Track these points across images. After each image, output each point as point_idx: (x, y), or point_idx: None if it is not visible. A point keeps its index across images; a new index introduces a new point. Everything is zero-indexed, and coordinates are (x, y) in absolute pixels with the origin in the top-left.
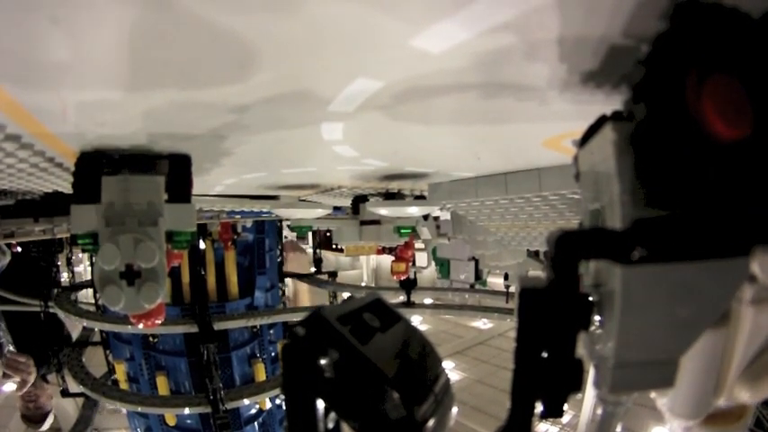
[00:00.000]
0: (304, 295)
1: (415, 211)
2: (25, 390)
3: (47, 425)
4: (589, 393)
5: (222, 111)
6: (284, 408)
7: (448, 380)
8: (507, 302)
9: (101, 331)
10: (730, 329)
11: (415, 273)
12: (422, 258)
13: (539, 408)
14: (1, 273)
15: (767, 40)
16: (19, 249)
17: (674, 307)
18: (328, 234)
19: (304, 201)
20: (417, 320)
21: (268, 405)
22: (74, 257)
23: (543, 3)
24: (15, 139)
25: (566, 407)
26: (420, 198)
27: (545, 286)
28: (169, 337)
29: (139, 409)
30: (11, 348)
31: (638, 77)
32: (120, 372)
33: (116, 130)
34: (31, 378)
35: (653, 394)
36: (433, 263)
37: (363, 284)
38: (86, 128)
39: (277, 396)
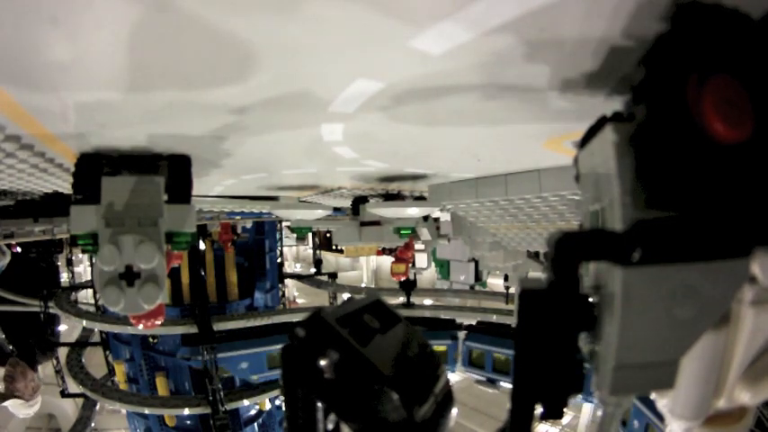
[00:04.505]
0: None
1: (414, 212)
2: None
3: (16, 409)
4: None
5: (222, 112)
6: (284, 409)
7: (448, 381)
8: (507, 304)
9: (101, 332)
10: (730, 330)
11: (414, 274)
12: (422, 259)
13: (539, 409)
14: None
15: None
16: (19, 249)
17: (675, 308)
18: (328, 235)
19: (304, 202)
20: None
21: (268, 406)
22: (74, 258)
23: (543, 4)
24: (15, 139)
25: (565, 408)
26: (420, 199)
27: (545, 287)
28: (169, 338)
29: (139, 410)
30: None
31: (638, 78)
32: (120, 372)
33: (116, 131)
34: (30, 386)
35: (653, 395)
36: (433, 264)
37: (363, 285)
38: (86, 129)
39: (277, 397)
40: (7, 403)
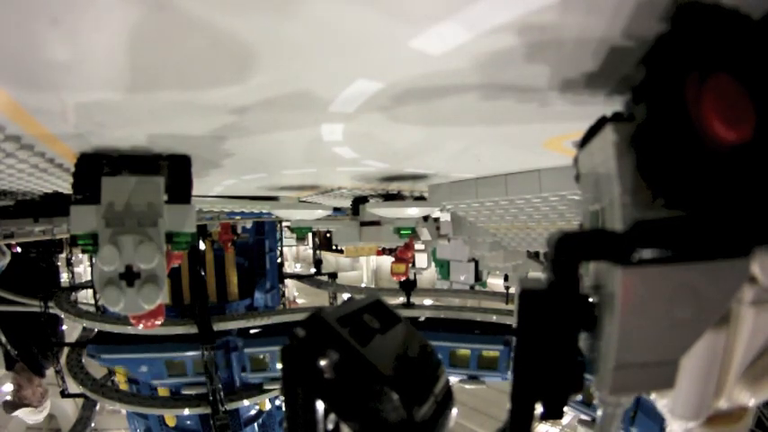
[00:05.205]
0: None
1: (414, 212)
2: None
3: (26, 417)
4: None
5: (222, 112)
6: (284, 409)
7: (448, 381)
8: (507, 304)
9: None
10: (730, 330)
11: (414, 274)
12: (422, 259)
13: (539, 408)
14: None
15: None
16: (19, 249)
17: (674, 308)
18: (328, 235)
19: (304, 202)
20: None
21: (268, 406)
22: (74, 258)
23: (543, 4)
24: (15, 139)
25: (565, 408)
26: (420, 199)
27: (545, 287)
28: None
29: (139, 411)
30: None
31: (638, 78)
32: (120, 372)
33: (116, 131)
34: (31, 389)
35: (653, 395)
36: (433, 264)
37: (363, 285)
38: (86, 129)
39: (277, 397)
40: (18, 413)
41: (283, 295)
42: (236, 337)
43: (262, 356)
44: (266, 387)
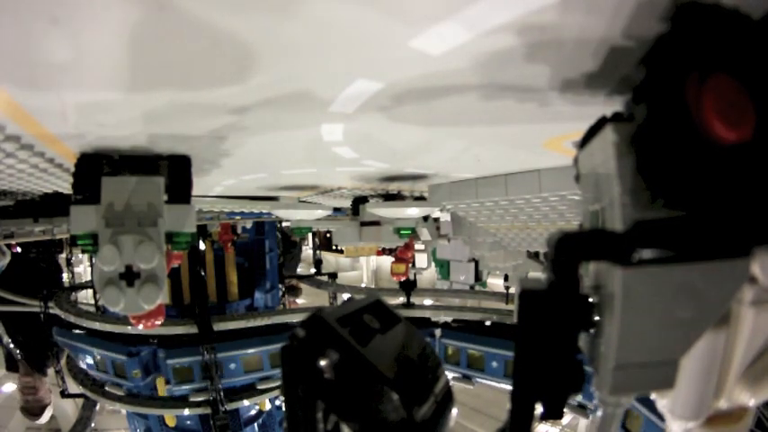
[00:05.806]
0: None
1: (414, 212)
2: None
3: (45, 417)
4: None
5: (222, 112)
6: (284, 409)
7: (448, 381)
8: (507, 304)
9: None
10: (730, 330)
11: (414, 274)
12: (422, 259)
13: (539, 408)
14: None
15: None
16: (19, 249)
17: (675, 308)
18: (328, 235)
19: (304, 202)
20: None
21: (268, 406)
22: (73, 258)
23: (543, 4)
24: (15, 139)
25: (565, 408)
26: (420, 199)
27: (545, 288)
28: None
29: (139, 411)
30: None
31: (638, 78)
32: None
33: (116, 131)
34: (43, 389)
35: (653, 395)
36: (433, 264)
37: (363, 285)
38: (86, 129)
39: (277, 397)
40: (45, 415)
41: (284, 295)
42: (156, 347)
43: (184, 367)
44: (192, 399)
